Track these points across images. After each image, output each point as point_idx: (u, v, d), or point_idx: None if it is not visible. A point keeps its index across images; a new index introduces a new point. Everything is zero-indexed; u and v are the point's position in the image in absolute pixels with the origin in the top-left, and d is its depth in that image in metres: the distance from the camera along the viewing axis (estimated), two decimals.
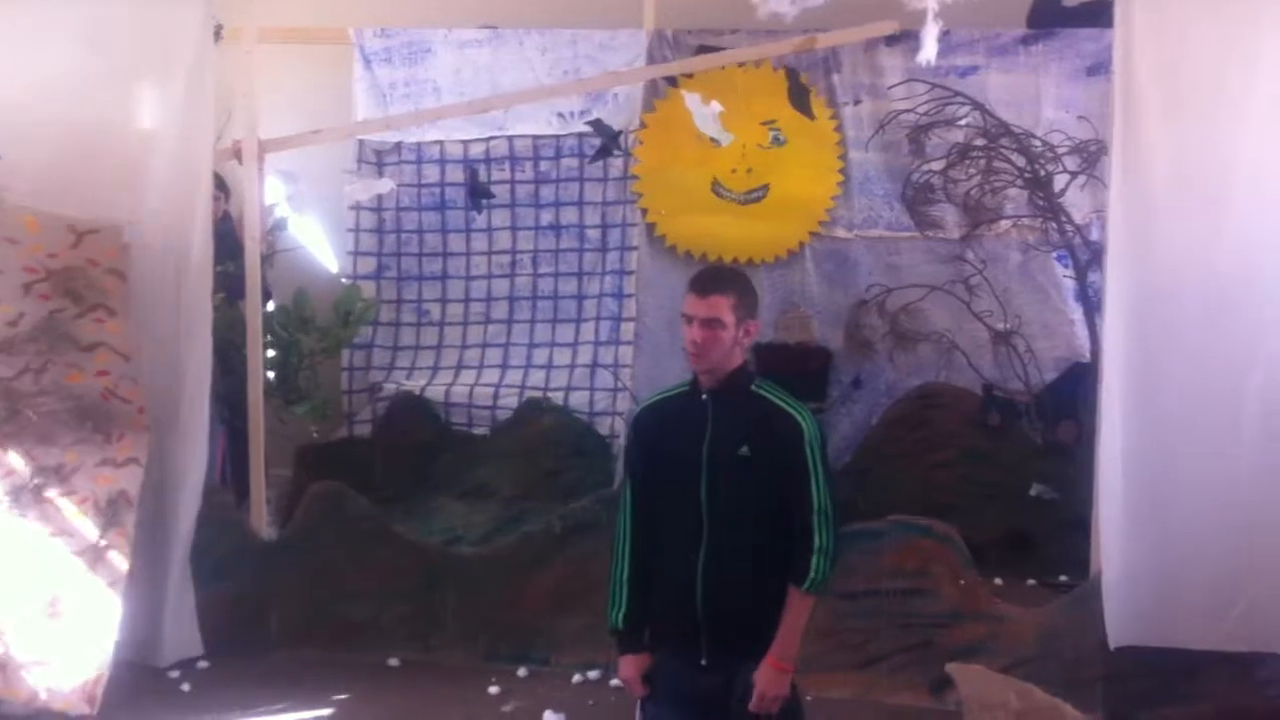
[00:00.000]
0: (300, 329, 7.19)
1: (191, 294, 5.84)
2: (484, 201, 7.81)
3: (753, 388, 3.60)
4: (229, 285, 6.58)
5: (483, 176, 7.88)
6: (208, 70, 5.88)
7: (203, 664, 5.85)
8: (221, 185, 7.12)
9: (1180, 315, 5.10)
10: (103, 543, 5.22)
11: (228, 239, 6.71)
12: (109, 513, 5.28)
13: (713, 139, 7.42)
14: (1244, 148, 5.07)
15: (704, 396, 3.59)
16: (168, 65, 5.82)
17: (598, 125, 7.60)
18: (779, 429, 3.51)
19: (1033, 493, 7.10)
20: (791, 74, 7.54)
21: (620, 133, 7.63)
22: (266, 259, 6.88)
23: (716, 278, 3.69)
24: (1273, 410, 5.04)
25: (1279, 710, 5.17)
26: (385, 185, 7.29)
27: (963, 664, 3.85)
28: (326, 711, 5.48)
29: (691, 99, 6.98)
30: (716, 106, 6.95)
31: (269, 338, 6.91)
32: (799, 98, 7.50)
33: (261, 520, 6.18)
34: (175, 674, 5.76)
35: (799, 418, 3.53)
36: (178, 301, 5.83)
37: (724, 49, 7.37)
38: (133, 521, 5.31)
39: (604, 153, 7.65)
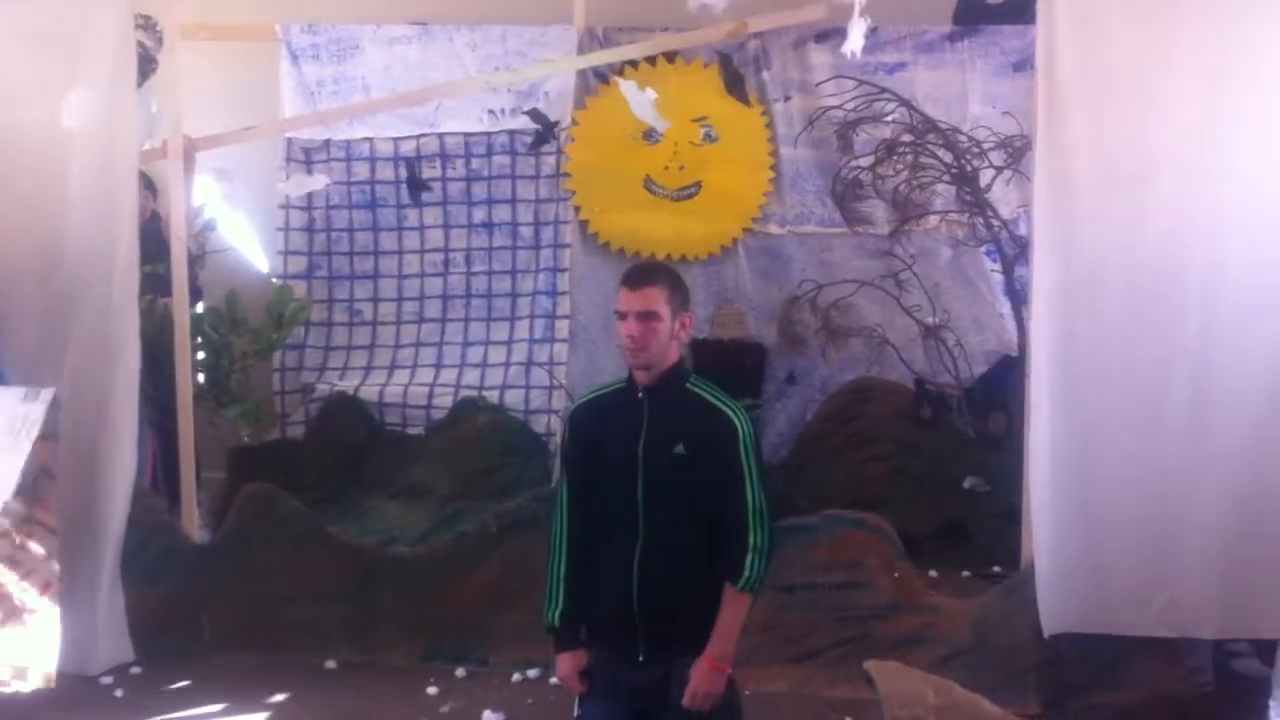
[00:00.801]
0: (232, 331, 7.11)
1: (118, 295, 5.74)
2: (421, 195, 7.76)
3: (688, 385, 3.62)
4: (157, 286, 6.49)
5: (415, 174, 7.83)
6: (130, 67, 5.78)
7: (136, 670, 5.76)
8: (150, 184, 7.03)
9: (1105, 307, 5.18)
10: None
11: (155, 239, 6.62)
12: None
13: (651, 132, 7.42)
14: (1165, 141, 5.15)
15: (640, 394, 3.59)
16: (89, 62, 5.71)
17: (535, 114, 7.58)
18: (714, 427, 3.53)
19: (966, 485, 7.18)
20: (725, 60, 7.57)
21: (557, 123, 7.62)
22: (196, 259, 6.80)
23: (649, 270, 3.70)
24: (1195, 400, 5.13)
25: (1207, 694, 5.28)
26: (319, 181, 7.23)
27: (879, 661, 3.87)
28: (263, 715, 5.42)
29: (628, 86, 6.97)
30: (652, 94, 6.94)
31: (199, 340, 6.83)
32: (734, 84, 7.54)
33: (193, 523, 6.10)
34: (108, 680, 5.67)
35: (733, 416, 3.54)
36: (105, 303, 5.73)
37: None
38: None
39: (540, 141, 7.64)
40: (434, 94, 7.46)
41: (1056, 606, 5.23)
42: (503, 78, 7.52)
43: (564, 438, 3.87)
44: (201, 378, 6.92)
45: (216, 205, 7.49)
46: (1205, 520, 5.12)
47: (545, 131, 7.60)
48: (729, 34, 6.83)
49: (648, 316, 3.51)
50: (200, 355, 6.88)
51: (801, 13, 6.59)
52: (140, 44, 6.48)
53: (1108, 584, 5.24)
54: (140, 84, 6.57)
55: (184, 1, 6.26)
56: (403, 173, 7.84)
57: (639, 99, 6.95)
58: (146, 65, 6.69)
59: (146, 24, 6.68)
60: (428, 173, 7.81)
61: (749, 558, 3.49)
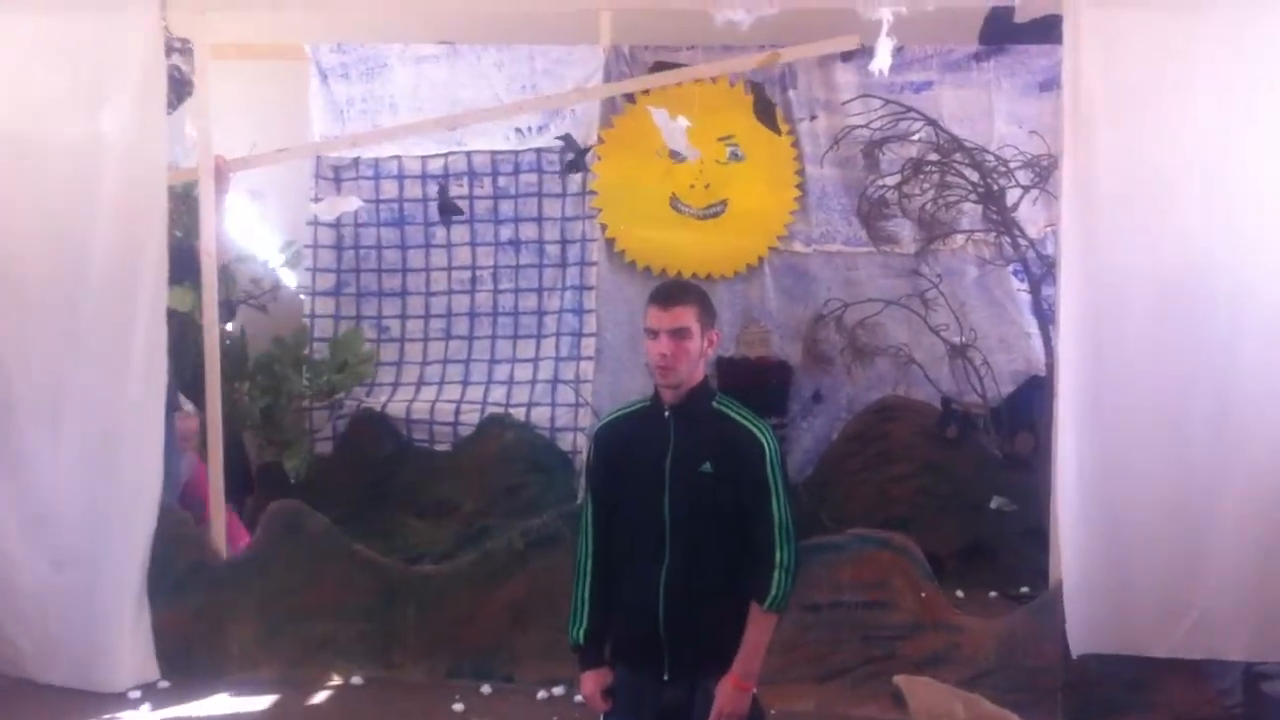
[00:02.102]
0: (293, 368, 7.12)
1: (145, 309, 5.78)
2: (450, 218, 7.79)
3: (714, 403, 3.62)
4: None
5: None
6: (159, 86, 5.85)
7: (163, 684, 5.80)
8: None
9: (1132, 326, 5.18)
10: None
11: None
12: None
13: (679, 154, 7.44)
14: (1191, 159, 5.16)
15: (666, 413, 3.60)
16: (119, 79, 5.78)
17: (569, 140, 7.62)
18: (740, 445, 3.53)
19: (993, 505, 7.15)
20: (757, 88, 7.58)
21: (589, 149, 7.65)
22: (267, 293, 6.90)
23: (679, 289, 3.71)
24: (1222, 419, 5.11)
25: (1235, 717, 5.25)
26: (353, 203, 7.25)
27: (909, 675, 3.88)
28: None
29: (659, 114, 6.99)
30: (684, 121, 6.96)
31: (258, 378, 6.86)
32: (764, 111, 7.55)
33: (221, 539, 6.13)
34: (136, 694, 5.71)
35: (760, 434, 3.55)
36: (131, 316, 5.77)
37: (681, 65, 7.44)
38: None
39: (573, 167, 7.67)
40: (465, 119, 7.50)
41: (1084, 627, 5.22)
42: (534, 104, 7.58)
43: (589, 456, 3.88)
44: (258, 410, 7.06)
45: (253, 224, 7.55)
46: (1233, 541, 5.11)
47: (579, 158, 7.61)
48: (760, 64, 6.86)
49: (679, 334, 3.53)
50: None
51: (832, 43, 6.64)
52: (177, 67, 6.56)
53: (1135, 604, 5.23)
54: (176, 107, 6.67)
55: (215, 22, 6.31)
56: (431, 190, 7.87)
57: (670, 127, 6.97)
58: (182, 89, 6.73)
59: (184, 47, 6.74)
60: (455, 191, 7.83)
61: (775, 576, 3.48)
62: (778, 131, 7.61)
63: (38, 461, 5.77)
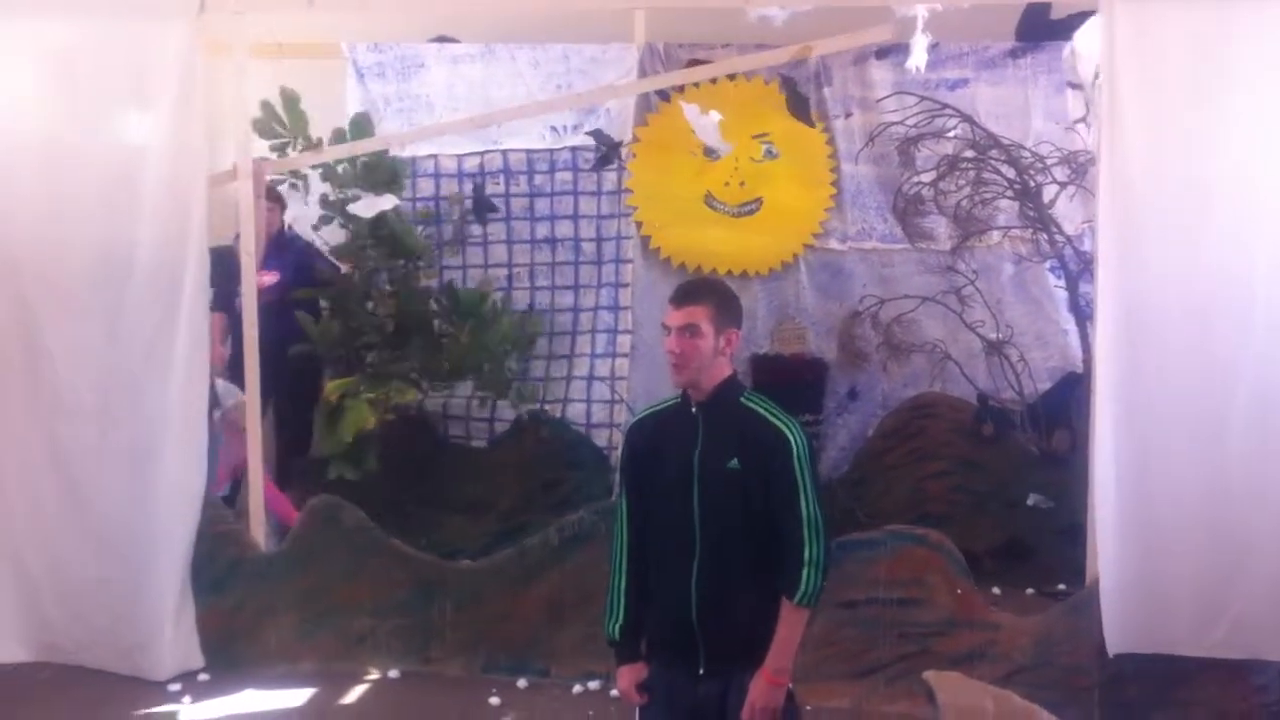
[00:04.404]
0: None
1: (187, 307, 5.86)
2: (485, 215, 7.84)
3: (742, 400, 3.64)
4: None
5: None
6: (196, 87, 5.90)
7: (203, 676, 5.87)
8: (277, 198, 7.27)
9: (1169, 323, 5.15)
10: None
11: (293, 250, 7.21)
12: None
13: (712, 150, 7.45)
14: (1227, 156, 5.13)
15: (694, 409, 3.63)
16: (156, 81, 5.86)
17: (598, 135, 7.64)
18: (767, 442, 3.54)
19: (1030, 502, 7.13)
20: (788, 83, 7.58)
21: (620, 143, 7.67)
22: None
23: (693, 288, 3.75)
24: (1260, 418, 5.08)
25: (1274, 715, 5.21)
26: (389, 202, 7.27)
27: (938, 671, 3.89)
28: None
29: (690, 110, 7.00)
30: (716, 116, 6.97)
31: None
32: (799, 107, 7.54)
33: (260, 532, 6.20)
34: (176, 687, 5.78)
35: (787, 431, 3.55)
36: (174, 315, 5.85)
37: (715, 61, 7.43)
38: None
39: (604, 162, 7.69)
40: (499, 117, 7.52)
41: (1121, 625, 5.20)
42: (566, 101, 7.61)
43: (622, 453, 3.91)
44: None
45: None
46: (1270, 540, 5.07)
47: (610, 152, 7.63)
48: (793, 56, 6.85)
49: (689, 332, 3.57)
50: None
51: (867, 34, 6.61)
52: None
53: (1172, 603, 5.20)
54: None
55: (252, 22, 6.36)
56: (467, 188, 7.91)
57: (702, 122, 6.98)
58: None
59: None
60: (490, 189, 7.87)
61: (805, 572, 3.48)
62: (811, 125, 7.60)
63: (86, 458, 5.88)
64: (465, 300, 7.35)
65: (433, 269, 7.58)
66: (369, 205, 7.14)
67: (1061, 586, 6.43)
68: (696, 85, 7.47)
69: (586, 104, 7.66)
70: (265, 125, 7.07)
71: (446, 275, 7.93)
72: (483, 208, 7.78)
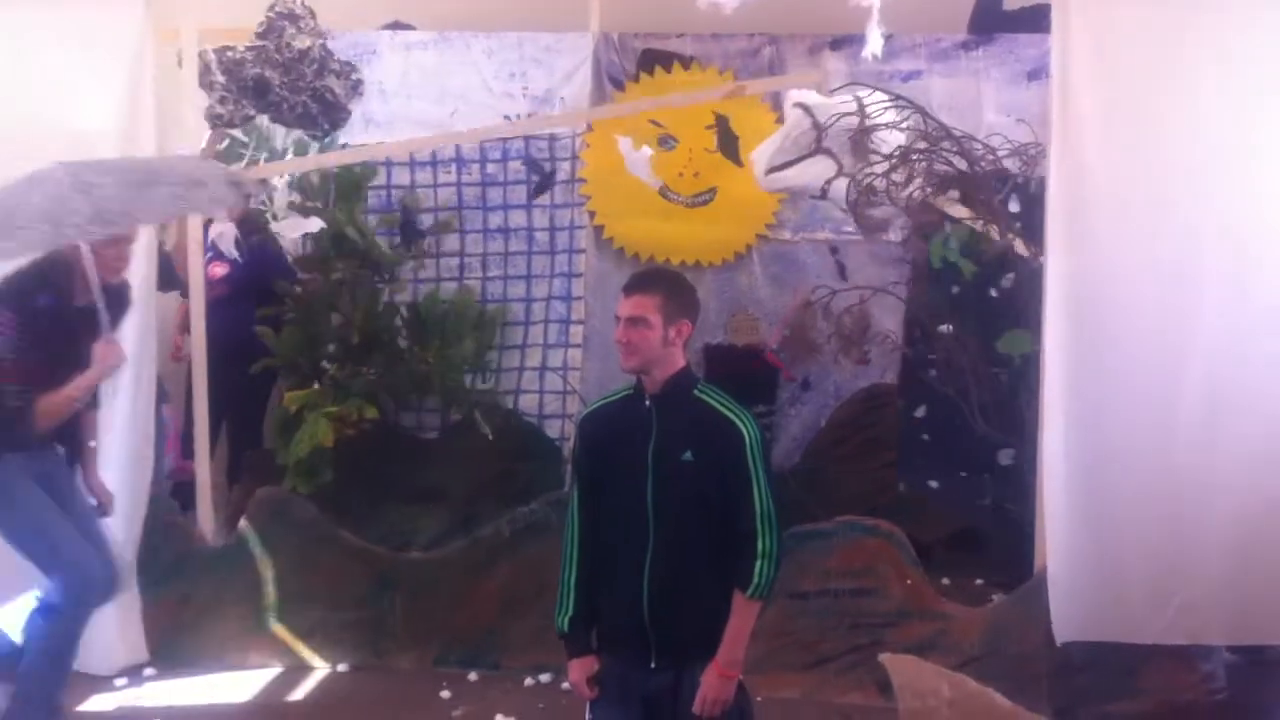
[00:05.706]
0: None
1: (136, 312, 5.74)
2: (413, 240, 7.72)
3: (695, 392, 3.63)
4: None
5: (429, 180, 7.83)
6: (147, 74, 5.82)
7: (149, 671, 5.80)
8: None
9: (1118, 315, 5.18)
10: None
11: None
12: None
13: (665, 133, 7.45)
14: (1180, 150, 5.15)
15: (647, 401, 3.62)
16: (106, 69, 5.76)
17: (532, 164, 7.65)
18: (720, 434, 3.54)
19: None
20: (720, 121, 7.58)
21: (553, 171, 7.67)
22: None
23: (642, 278, 3.76)
24: (1209, 408, 5.13)
25: (1219, 702, 5.27)
26: (314, 224, 6.99)
27: (894, 654, 3.90)
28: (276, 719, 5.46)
29: (624, 143, 7.05)
30: (648, 150, 7.05)
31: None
32: (727, 144, 7.56)
33: (208, 526, 6.13)
34: (121, 681, 5.71)
35: (740, 423, 3.55)
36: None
37: (670, 51, 7.51)
38: None
39: (540, 189, 7.70)
40: (472, 137, 7.54)
41: (1068, 614, 5.24)
42: (510, 129, 7.63)
43: (574, 445, 3.89)
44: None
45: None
46: (1218, 528, 5.12)
47: (544, 180, 7.64)
48: (727, 96, 6.96)
49: (636, 323, 3.56)
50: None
51: (793, 79, 6.83)
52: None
53: (1120, 591, 5.25)
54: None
55: (200, 7, 6.27)
56: (421, 177, 7.82)
57: (634, 156, 7.03)
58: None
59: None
60: (442, 179, 7.80)
61: (758, 564, 3.49)
62: (739, 164, 7.54)
63: None
64: (430, 318, 7.28)
65: (398, 282, 7.46)
66: (294, 226, 6.97)
67: (1009, 577, 6.46)
68: (650, 71, 7.50)
69: (529, 131, 7.64)
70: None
71: (412, 285, 7.81)
72: (411, 234, 7.66)
